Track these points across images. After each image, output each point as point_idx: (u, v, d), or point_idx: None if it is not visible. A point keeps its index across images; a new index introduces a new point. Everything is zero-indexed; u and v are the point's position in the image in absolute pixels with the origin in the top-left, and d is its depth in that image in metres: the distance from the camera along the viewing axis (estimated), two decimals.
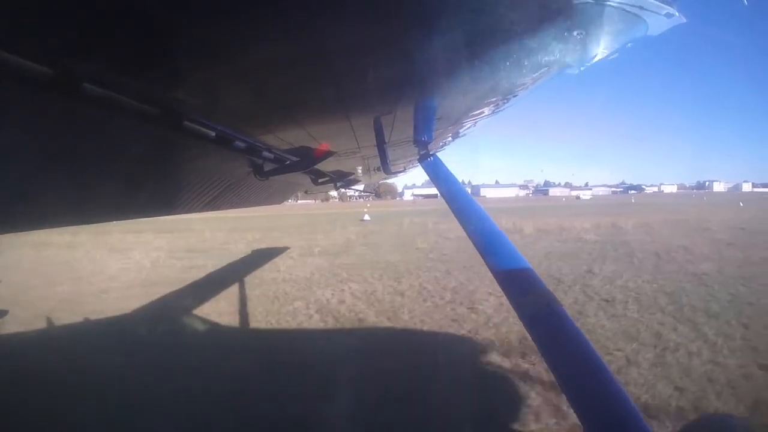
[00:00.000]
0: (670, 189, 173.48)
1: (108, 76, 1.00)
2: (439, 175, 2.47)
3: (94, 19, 0.75)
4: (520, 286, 1.75)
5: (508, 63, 1.58)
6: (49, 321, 8.23)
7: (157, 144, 1.66)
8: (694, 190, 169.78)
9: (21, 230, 2.38)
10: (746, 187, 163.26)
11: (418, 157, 2.83)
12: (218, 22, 0.86)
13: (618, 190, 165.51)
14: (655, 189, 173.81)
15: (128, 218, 3.12)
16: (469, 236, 1.96)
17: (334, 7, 0.88)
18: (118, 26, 0.79)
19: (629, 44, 1.49)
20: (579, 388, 1.42)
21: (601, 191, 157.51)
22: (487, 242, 1.91)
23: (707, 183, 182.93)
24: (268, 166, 2.43)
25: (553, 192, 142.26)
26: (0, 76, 0.81)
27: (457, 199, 2.18)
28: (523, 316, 1.66)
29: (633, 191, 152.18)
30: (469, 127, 3.38)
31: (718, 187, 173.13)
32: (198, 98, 1.34)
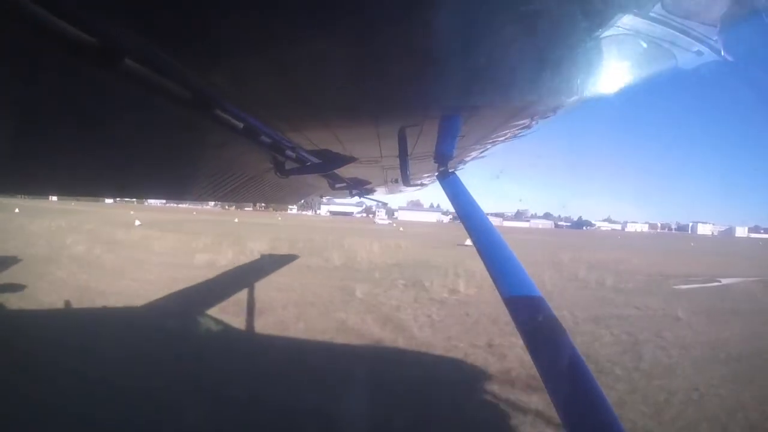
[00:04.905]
0: (636, 227, 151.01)
1: (149, 55, 1.04)
2: (456, 193, 2.46)
3: None
4: (528, 312, 1.74)
5: (538, 89, 1.59)
6: None
7: (187, 128, 1.70)
8: (672, 231, 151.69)
9: (39, 194, 2.44)
10: (740, 232, 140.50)
11: (437, 173, 2.83)
12: (262, 19, 0.88)
13: (566, 224, 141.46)
14: (614, 226, 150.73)
15: (146, 197, 3.19)
16: (482, 258, 1.95)
17: (371, 16, 0.90)
18: (163, 6, 0.82)
19: (658, 76, 1.48)
20: (576, 414, 1.43)
21: (541, 224, 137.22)
22: (498, 265, 1.90)
23: (691, 225, 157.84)
24: (289, 165, 2.45)
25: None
26: (46, 38, 0.84)
27: (472, 220, 2.17)
28: (527, 341, 1.66)
29: (586, 227, 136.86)
30: (489, 149, 3.37)
31: (704, 229, 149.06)
32: (231, 88, 1.37)
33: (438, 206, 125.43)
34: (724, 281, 17.56)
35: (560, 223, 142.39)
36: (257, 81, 1.32)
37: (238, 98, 1.47)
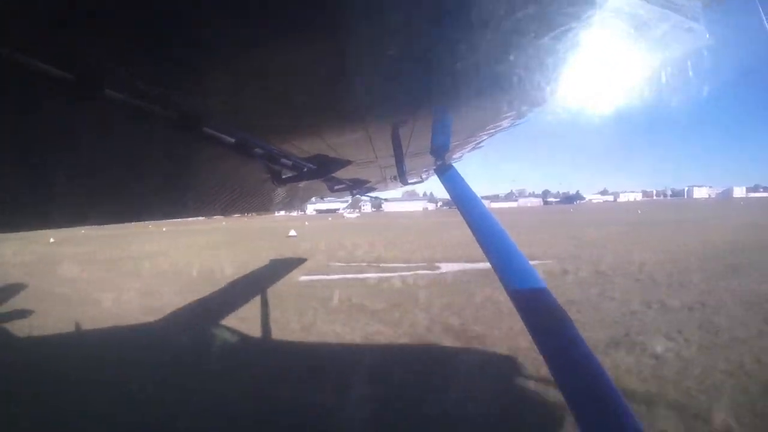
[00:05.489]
0: (629, 197, 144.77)
1: (130, 82, 1.02)
2: (455, 186, 2.46)
3: (117, 24, 0.76)
4: (532, 301, 1.74)
5: (530, 78, 1.58)
6: None
7: (178, 149, 1.69)
8: (667, 198, 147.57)
9: (42, 228, 2.44)
10: (738, 192, 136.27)
11: (434, 167, 2.83)
12: (239, 31, 0.87)
13: (555, 200, 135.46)
14: (607, 198, 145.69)
15: (146, 220, 3.19)
16: (483, 250, 1.95)
17: (354, 18, 0.89)
18: (140, 32, 0.81)
19: (650, 59, 1.47)
20: (585, 403, 1.42)
21: (530, 202, 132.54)
22: (500, 256, 1.90)
23: (686, 189, 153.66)
24: (285, 173, 2.44)
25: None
26: (25, 81, 0.83)
27: (472, 211, 2.17)
28: (533, 331, 1.65)
29: (577, 201, 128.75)
30: (485, 139, 3.37)
31: (700, 192, 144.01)
32: (218, 105, 1.35)
33: (431, 194, 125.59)
34: (445, 268, 14.89)
35: (549, 199, 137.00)
36: (243, 95, 1.31)
37: (226, 115, 1.46)
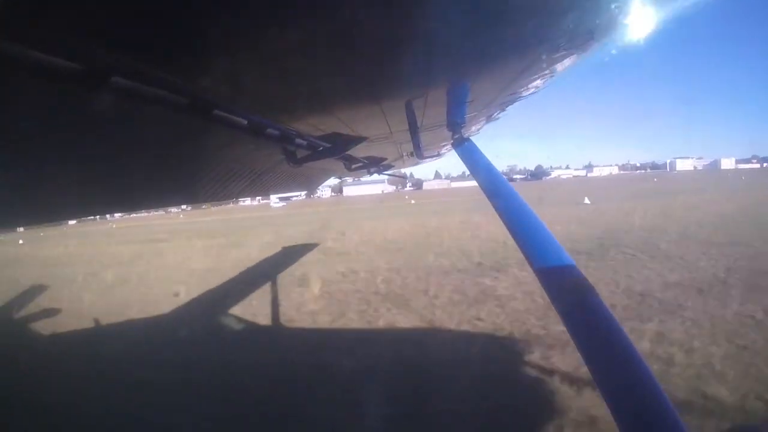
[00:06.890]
0: (604, 171, 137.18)
1: (137, 68, 1.00)
2: (473, 160, 2.39)
3: (121, 9, 0.74)
4: (559, 278, 1.68)
5: (540, 43, 1.53)
6: None
7: (189, 134, 1.67)
8: (645, 170, 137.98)
9: (62, 219, 2.49)
10: (727, 164, 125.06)
11: (451, 141, 2.77)
12: (246, 10, 0.84)
13: (520, 176, 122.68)
14: (578, 173, 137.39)
15: (161, 207, 3.24)
16: (507, 227, 1.89)
17: None
18: (145, 17, 0.78)
19: (663, 25, 1.41)
20: (615, 384, 1.35)
21: None
22: (525, 233, 1.84)
23: (669, 162, 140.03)
24: (300, 153, 2.42)
25: (429, 185, 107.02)
26: (33, 74, 0.82)
27: (494, 187, 2.10)
28: (560, 309, 1.59)
29: (544, 177, 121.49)
30: (503, 111, 3.28)
31: (684, 165, 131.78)
32: (227, 87, 1.33)
33: (411, 175, 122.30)
34: None
35: (514, 176, 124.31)
36: (252, 76, 1.28)
37: (236, 96, 1.43)
